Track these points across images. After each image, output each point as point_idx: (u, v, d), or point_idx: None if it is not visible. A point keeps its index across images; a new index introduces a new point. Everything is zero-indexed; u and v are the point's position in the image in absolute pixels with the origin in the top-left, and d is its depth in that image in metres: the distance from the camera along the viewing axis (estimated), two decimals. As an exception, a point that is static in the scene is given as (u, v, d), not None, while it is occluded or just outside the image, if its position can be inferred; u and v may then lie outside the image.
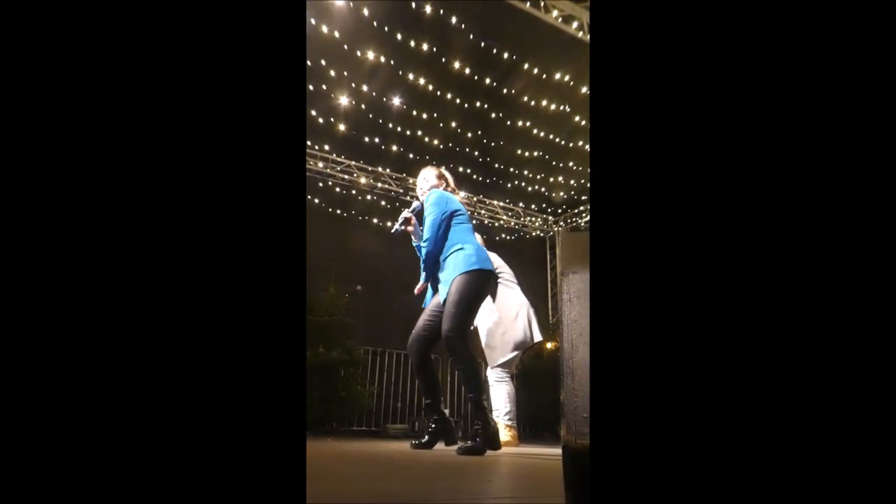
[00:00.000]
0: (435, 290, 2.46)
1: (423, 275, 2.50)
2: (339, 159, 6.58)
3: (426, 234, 2.41)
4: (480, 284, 2.32)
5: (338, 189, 6.73)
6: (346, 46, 4.74)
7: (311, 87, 5.15)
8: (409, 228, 2.61)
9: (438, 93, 5.39)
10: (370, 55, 4.89)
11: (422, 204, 2.59)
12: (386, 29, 4.63)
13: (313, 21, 4.46)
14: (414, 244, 2.63)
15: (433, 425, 2.32)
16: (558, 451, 0.71)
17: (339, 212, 6.78)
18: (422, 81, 5.26)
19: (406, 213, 2.62)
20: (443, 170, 2.77)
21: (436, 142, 6.09)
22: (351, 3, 4.39)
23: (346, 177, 6.71)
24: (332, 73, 5.06)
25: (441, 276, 2.40)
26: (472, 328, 2.95)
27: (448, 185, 2.69)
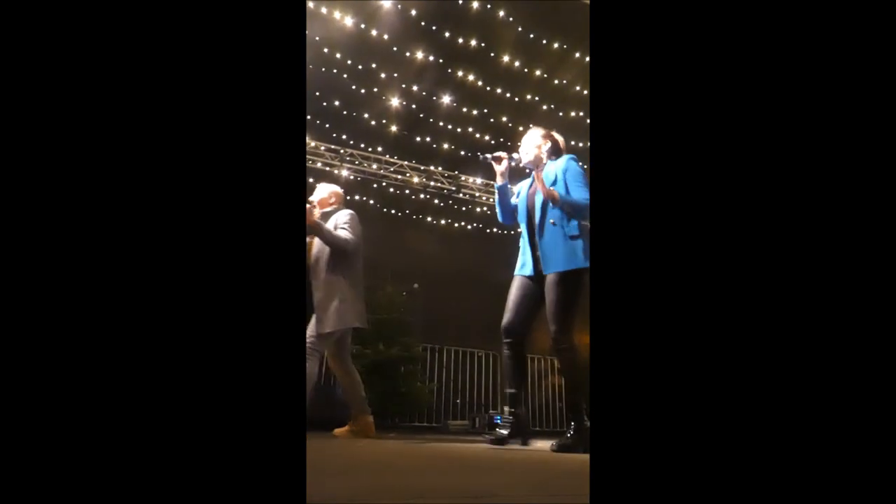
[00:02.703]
0: (535, 262, 2.18)
1: (505, 212, 2.30)
2: (391, 160, 6.68)
3: (584, 192, 2.09)
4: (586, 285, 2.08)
5: (391, 189, 6.84)
6: (395, 48, 4.80)
7: (362, 91, 5.25)
8: (499, 167, 2.30)
9: (488, 88, 5.36)
10: (419, 55, 4.93)
11: (518, 160, 2.33)
12: (434, 28, 4.65)
13: (363, 25, 4.54)
14: (498, 185, 2.33)
15: (512, 418, 2.13)
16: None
17: (393, 211, 6.89)
18: (471, 78, 5.25)
19: (503, 153, 2.33)
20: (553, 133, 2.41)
21: (487, 137, 6.06)
22: (399, 5, 4.44)
23: (398, 177, 6.80)
24: (383, 75, 5.14)
25: (550, 251, 2.10)
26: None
27: (562, 147, 2.37)
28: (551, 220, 2.13)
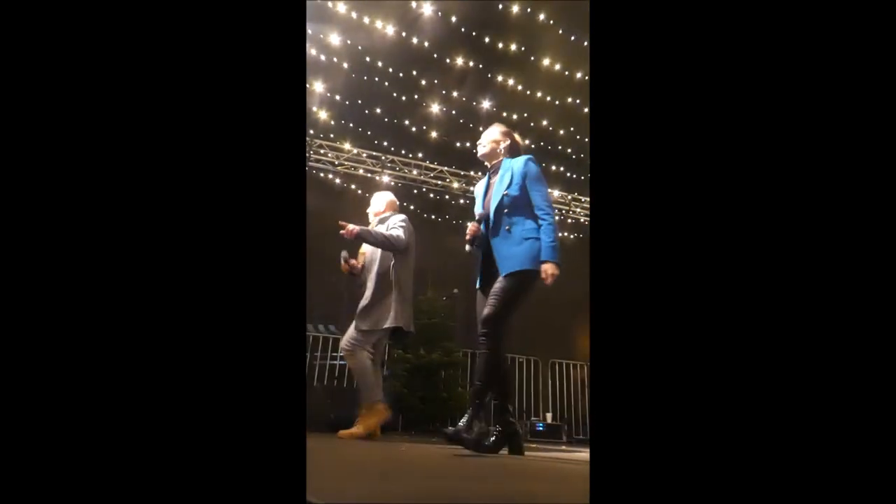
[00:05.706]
0: (483, 273, 2.21)
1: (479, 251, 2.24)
2: (431, 166, 6.72)
3: (546, 207, 2.13)
4: (532, 289, 2.12)
5: (431, 195, 6.87)
6: (435, 55, 4.84)
7: (403, 98, 5.31)
8: (470, 247, 2.27)
9: (528, 92, 5.33)
10: (459, 61, 4.95)
11: (484, 210, 2.28)
12: (474, 33, 4.67)
13: (404, 33, 4.60)
14: (468, 239, 2.25)
15: (500, 428, 2.07)
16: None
17: (433, 217, 6.92)
18: (511, 82, 5.23)
19: (472, 226, 2.25)
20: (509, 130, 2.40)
21: (527, 141, 6.01)
22: (439, 12, 4.48)
23: (439, 182, 6.83)
24: (423, 82, 5.19)
25: (507, 255, 2.11)
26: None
27: (520, 147, 2.38)
28: (506, 227, 2.16)
